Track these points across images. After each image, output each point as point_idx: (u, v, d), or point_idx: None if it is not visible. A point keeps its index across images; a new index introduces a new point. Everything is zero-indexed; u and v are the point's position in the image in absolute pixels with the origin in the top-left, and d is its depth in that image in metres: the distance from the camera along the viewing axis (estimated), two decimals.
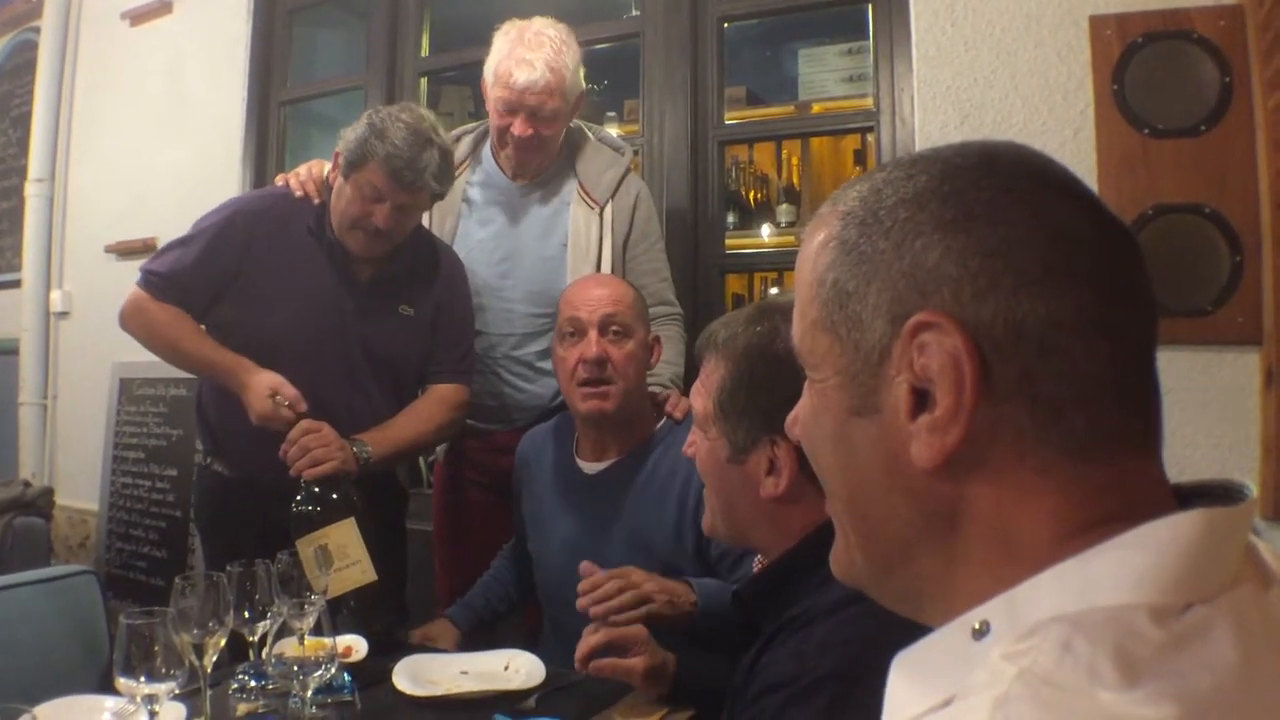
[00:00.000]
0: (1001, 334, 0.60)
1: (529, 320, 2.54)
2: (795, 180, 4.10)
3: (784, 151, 4.19)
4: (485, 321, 2.55)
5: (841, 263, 0.67)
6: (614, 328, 2.08)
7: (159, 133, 3.99)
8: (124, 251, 4.02)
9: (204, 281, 2.29)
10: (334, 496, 2.05)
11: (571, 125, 2.61)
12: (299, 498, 2.03)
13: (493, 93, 2.50)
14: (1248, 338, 2.20)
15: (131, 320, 2.33)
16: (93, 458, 4.06)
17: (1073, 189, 0.65)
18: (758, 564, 1.44)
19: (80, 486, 4.09)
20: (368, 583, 1.99)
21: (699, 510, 1.99)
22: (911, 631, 0.69)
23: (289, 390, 2.14)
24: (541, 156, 2.54)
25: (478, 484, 2.59)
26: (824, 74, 3.75)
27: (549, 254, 2.54)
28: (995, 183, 0.64)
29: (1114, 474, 0.61)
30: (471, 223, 2.62)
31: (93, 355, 4.10)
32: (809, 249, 0.71)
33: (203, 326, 2.32)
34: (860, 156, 4.02)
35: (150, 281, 2.31)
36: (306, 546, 1.99)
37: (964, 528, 0.63)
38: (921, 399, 0.62)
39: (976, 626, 0.59)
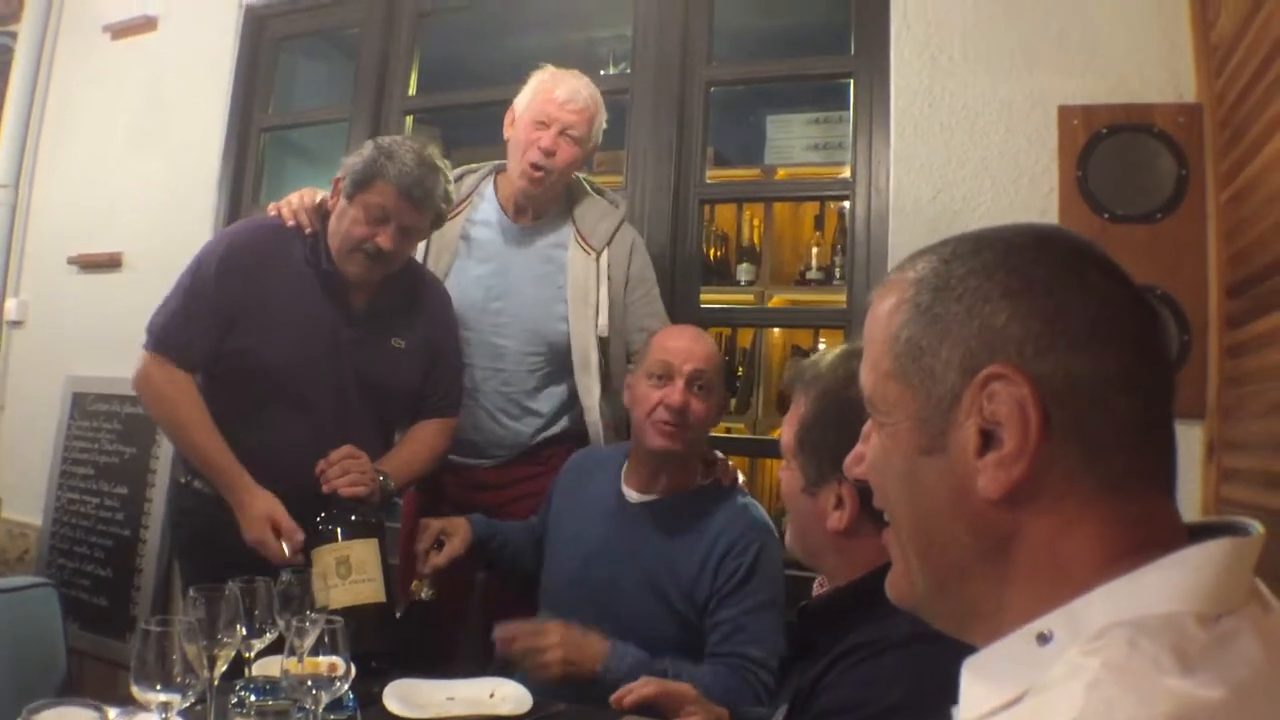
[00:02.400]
0: (1060, 385, 0.73)
1: (521, 358, 2.62)
2: (756, 241, 4.21)
3: (746, 212, 4.31)
4: (473, 354, 2.61)
5: (916, 322, 0.80)
6: (699, 383, 2.20)
7: (133, 149, 3.98)
8: (87, 264, 4.00)
9: (213, 328, 2.30)
10: (357, 518, 2.13)
11: (572, 176, 2.71)
12: (323, 514, 2.11)
13: (525, 114, 2.60)
14: (1192, 411, 2.34)
15: (142, 392, 2.34)
16: (39, 471, 3.99)
17: (1113, 268, 0.79)
18: (819, 586, 1.52)
19: (24, 500, 4.02)
20: (378, 601, 2.05)
21: (721, 566, 2.11)
22: None
23: (285, 521, 2.17)
24: (548, 188, 2.62)
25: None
26: (791, 140, 3.90)
27: (545, 295, 2.63)
28: (1051, 259, 0.77)
29: (1143, 508, 0.73)
30: (470, 260, 2.68)
31: (46, 367, 4.06)
32: (881, 310, 0.84)
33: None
34: (819, 222, 4.14)
35: (158, 343, 2.31)
36: (327, 555, 2.06)
37: (1016, 552, 0.75)
38: (987, 440, 0.75)
39: (1042, 634, 0.71)
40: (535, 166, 2.57)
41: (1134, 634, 0.65)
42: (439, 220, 2.38)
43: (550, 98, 2.57)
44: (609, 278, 2.62)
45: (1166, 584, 0.68)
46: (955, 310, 0.77)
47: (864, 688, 1.25)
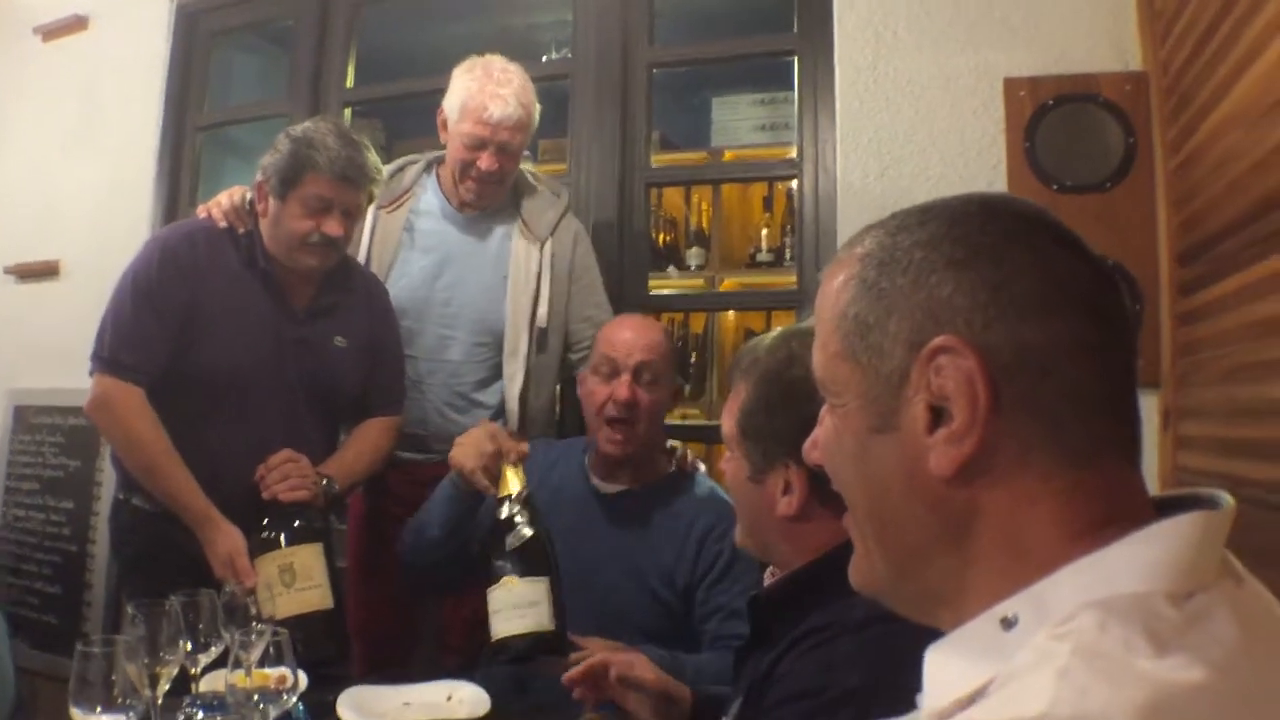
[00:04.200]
0: (1008, 357, 0.70)
1: (470, 349, 2.59)
2: (705, 224, 4.19)
3: (694, 196, 4.28)
4: (420, 347, 2.57)
5: (862, 298, 0.76)
6: (647, 374, 2.17)
7: (68, 153, 3.87)
8: (25, 274, 3.88)
9: (165, 339, 2.22)
10: (301, 523, 2.08)
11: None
12: (266, 521, 2.06)
13: (459, 127, 2.53)
14: (1147, 380, 2.34)
15: (100, 419, 2.25)
16: None
17: (1062, 232, 0.76)
18: (770, 576, 1.50)
19: None
20: (325, 608, 2.01)
21: (701, 551, 2.11)
22: None
23: (241, 564, 2.09)
24: (499, 189, 2.59)
25: (398, 519, 2.56)
26: (737, 121, 3.88)
27: (491, 284, 2.59)
28: (997, 227, 0.74)
29: (1105, 480, 0.71)
30: (414, 251, 2.64)
31: None
32: (829, 288, 0.80)
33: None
34: (768, 203, 4.12)
35: (111, 365, 2.21)
36: (270, 564, 2.01)
37: (976, 531, 0.72)
38: (937, 416, 0.72)
39: (1006, 618, 0.68)
40: (480, 182, 2.55)
41: (1103, 616, 0.62)
42: (372, 195, 2.34)
43: (482, 119, 2.49)
44: (552, 267, 2.60)
45: (1135, 562, 0.65)
46: (901, 283, 0.74)
47: (819, 673, 1.23)
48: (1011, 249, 0.73)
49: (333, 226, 2.23)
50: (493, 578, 1.83)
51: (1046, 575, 0.67)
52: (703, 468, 2.37)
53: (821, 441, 0.84)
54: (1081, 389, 0.70)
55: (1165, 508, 0.71)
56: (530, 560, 1.83)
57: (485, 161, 2.51)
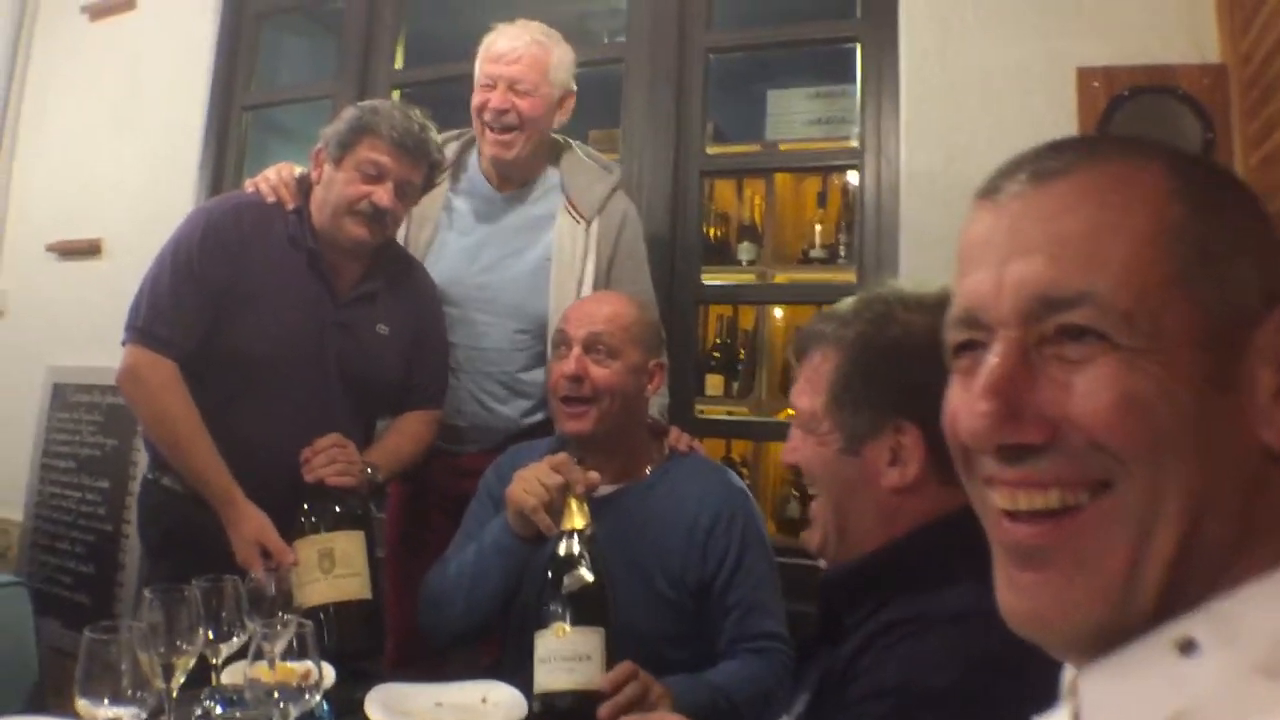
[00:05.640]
0: None
1: (508, 336, 2.48)
2: (757, 219, 4.09)
3: (747, 190, 4.19)
4: (456, 333, 2.47)
5: (1200, 220, 0.64)
6: (599, 346, 2.02)
7: (113, 131, 3.85)
8: (66, 251, 3.87)
9: (201, 313, 2.16)
10: (342, 509, 2.02)
11: (560, 140, 2.58)
12: (306, 505, 2.00)
13: (477, 76, 2.47)
14: None
15: (129, 391, 2.18)
16: (19, 465, 3.86)
17: None
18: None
19: (3, 494, 3.89)
20: (363, 598, 1.94)
21: (709, 544, 1.97)
22: (1036, 653, 0.65)
23: (274, 543, 2.02)
24: (521, 150, 2.47)
25: (438, 508, 2.50)
26: (792, 115, 3.77)
27: (532, 268, 2.48)
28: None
29: None
30: (451, 233, 2.55)
31: (26, 357, 3.92)
32: (1133, 184, 0.65)
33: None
34: (823, 199, 4.02)
35: (144, 335, 2.14)
36: (309, 548, 1.94)
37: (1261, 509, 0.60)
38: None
39: (1184, 642, 0.56)
40: (492, 129, 2.45)
41: None
42: (431, 177, 2.27)
43: (489, 55, 2.44)
44: (598, 248, 2.46)
45: None
46: (1243, 222, 0.65)
47: (905, 669, 1.12)
48: None
49: (383, 196, 2.16)
50: (543, 620, 1.69)
51: (1225, 590, 0.56)
52: (700, 447, 2.23)
53: (1124, 403, 0.61)
54: None
55: None
56: (588, 607, 1.69)
57: (496, 99, 2.42)
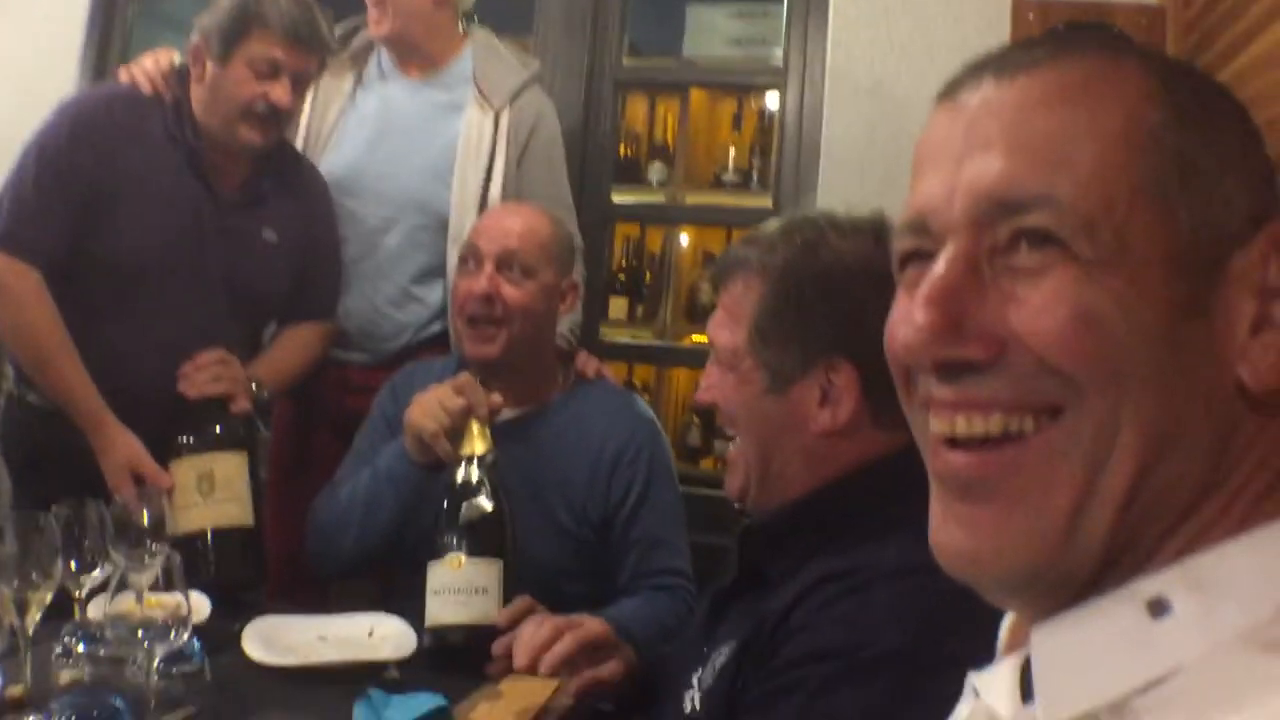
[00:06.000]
0: None
1: (410, 232, 2.34)
2: (669, 140, 3.98)
3: (659, 109, 4.08)
4: (353, 229, 2.33)
5: (1183, 132, 0.57)
6: (514, 264, 1.90)
7: None
8: None
9: (68, 214, 1.98)
10: (224, 429, 1.90)
11: (476, 32, 2.46)
12: (187, 423, 1.88)
13: None
14: None
15: None
16: None
17: None
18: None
19: None
20: (244, 525, 1.85)
21: (614, 477, 1.88)
22: (985, 615, 0.62)
23: (148, 466, 1.89)
24: (399, 23, 2.32)
25: (325, 426, 2.37)
26: (710, 33, 3.65)
27: (435, 159, 2.34)
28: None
29: None
30: (353, 120, 2.40)
31: None
32: (1106, 79, 0.59)
33: None
34: (738, 121, 3.92)
35: (4, 238, 1.96)
36: (188, 469, 1.83)
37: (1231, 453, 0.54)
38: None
39: (1156, 601, 0.50)
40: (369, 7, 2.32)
41: None
42: (324, 62, 2.12)
43: None
44: (508, 140, 2.32)
45: None
46: (1230, 142, 0.58)
47: (850, 628, 1.04)
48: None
49: (280, 94, 2.00)
50: (438, 550, 1.61)
51: (1200, 545, 0.50)
52: (609, 373, 2.16)
53: (1084, 313, 0.55)
54: None
55: None
56: (485, 538, 1.61)
57: None
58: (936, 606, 0.89)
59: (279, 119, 2.04)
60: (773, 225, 1.29)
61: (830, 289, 1.18)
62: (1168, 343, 0.54)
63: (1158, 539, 0.53)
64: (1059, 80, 0.58)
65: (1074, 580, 0.54)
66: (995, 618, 0.66)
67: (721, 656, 1.18)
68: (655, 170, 3.78)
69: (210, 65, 2.01)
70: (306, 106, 2.33)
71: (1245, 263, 0.54)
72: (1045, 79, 0.58)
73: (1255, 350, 0.53)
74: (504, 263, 1.90)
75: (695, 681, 1.21)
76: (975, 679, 0.61)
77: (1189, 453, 0.53)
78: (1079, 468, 0.54)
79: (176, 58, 2.11)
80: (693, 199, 3.66)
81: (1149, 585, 0.50)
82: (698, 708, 1.20)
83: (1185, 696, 0.47)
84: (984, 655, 0.66)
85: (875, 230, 1.23)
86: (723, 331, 1.26)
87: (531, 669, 1.37)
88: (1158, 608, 0.50)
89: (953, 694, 0.69)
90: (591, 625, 1.45)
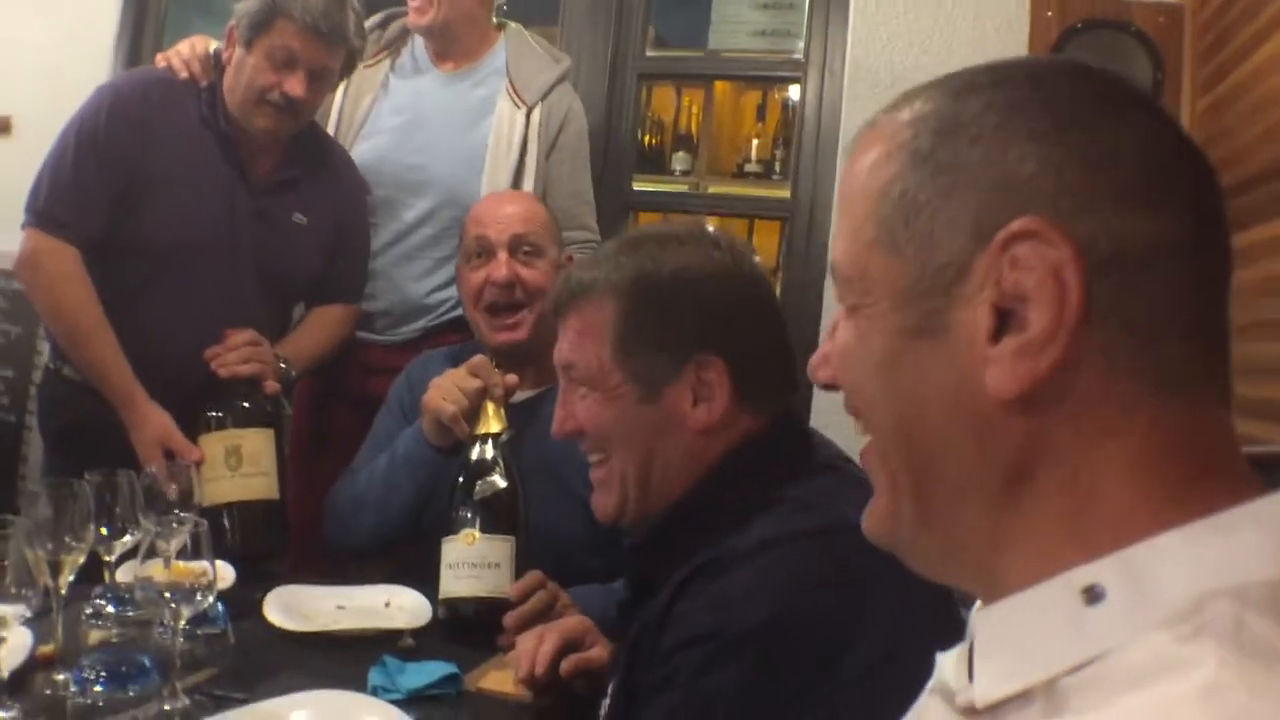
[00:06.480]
0: (1104, 251, 0.55)
1: (439, 222, 2.37)
2: (694, 129, 4.01)
3: (685, 99, 4.10)
4: (381, 215, 2.38)
5: (912, 173, 0.61)
6: (525, 247, 1.94)
7: (16, 5, 3.56)
8: None
9: (106, 196, 2.02)
10: (252, 405, 1.95)
11: (509, 25, 2.50)
12: (217, 399, 1.93)
13: None
14: None
15: (28, 278, 2.06)
16: None
17: (1162, 111, 0.62)
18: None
19: None
20: (269, 498, 1.89)
21: None
22: (848, 577, 0.71)
23: (179, 442, 1.93)
24: (435, 15, 2.36)
25: (346, 405, 2.42)
26: (736, 25, 3.67)
27: (469, 151, 2.38)
28: (1091, 94, 0.60)
29: (1197, 420, 0.56)
30: (386, 110, 2.44)
31: None
32: (861, 164, 0.64)
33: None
34: (762, 112, 3.94)
35: (44, 218, 2.01)
36: (215, 444, 1.88)
37: (1034, 474, 0.57)
38: (1003, 321, 0.56)
39: (1090, 589, 0.53)
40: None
41: (1239, 609, 0.48)
42: (352, 61, 2.14)
43: None
44: (539, 136, 2.36)
45: (1265, 537, 0.51)
46: (968, 156, 0.59)
47: (715, 611, 1.06)
48: (1109, 121, 0.58)
49: (294, 85, 2.02)
50: (453, 526, 1.66)
51: (1135, 538, 0.53)
52: None
53: (837, 353, 0.67)
54: (1181, 298, 0.57)
55: (1255, 467, 0.58)
56: (498, 515, 1.66)
57: None
58: (796, 576, 0.95)
59: (295, 110, 2.06)
60: (607, 248, 1.33)
61: (685, 291, 1.22)
62: (891, 364, 0.62)
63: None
64: (857, 152, 0.66)
65: (938, 560, 0.64)
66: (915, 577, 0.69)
67: (619, 667, 1.20)
68: (679, 160, 3.81)
69: (238, 49, 2.05)
70: (339, 93, 2.37)
71: (979, 277, 0.57)
72: (853, 154, 0.66)
73: (993, 358, 0.57)
74: (515, 247, 1.94)
75: (609, 689, 1.23)
76: (939, 657, 0.65)
77: (950, 456, 0.60)
78: (882, 481, 0.66)
79: (213, 45, 2.15)
80: (716, 187, 3.69)
81: (1085, 573, 0.53)
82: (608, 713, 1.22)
83: (1103, 677, 0.50)
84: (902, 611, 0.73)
85: (712, 238, 1.29)
86: (580, 354, 1.29)
87: (532, 677, 1.40)
88: (1092, 595, 0.53)
89: (836, 639, 0.81)
90: (569, 621, 1.48)
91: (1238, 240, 1.84)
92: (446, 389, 1.79)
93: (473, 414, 1.76)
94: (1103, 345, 0.55)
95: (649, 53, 3.02)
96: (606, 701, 1.23)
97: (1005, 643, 0.57)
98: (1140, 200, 0.56)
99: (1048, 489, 0.57)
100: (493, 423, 1.72)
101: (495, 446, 1.71)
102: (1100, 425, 0.56)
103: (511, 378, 1.82)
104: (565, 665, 1.37)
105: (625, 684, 1.17)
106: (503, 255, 1.93)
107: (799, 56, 2.78)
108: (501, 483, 1.67)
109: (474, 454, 1.71)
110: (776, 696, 1.02)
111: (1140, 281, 0.56)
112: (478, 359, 1.84)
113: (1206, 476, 0.55)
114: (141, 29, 3.50)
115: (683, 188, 3.67)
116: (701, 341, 1.20)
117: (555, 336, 1.97)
